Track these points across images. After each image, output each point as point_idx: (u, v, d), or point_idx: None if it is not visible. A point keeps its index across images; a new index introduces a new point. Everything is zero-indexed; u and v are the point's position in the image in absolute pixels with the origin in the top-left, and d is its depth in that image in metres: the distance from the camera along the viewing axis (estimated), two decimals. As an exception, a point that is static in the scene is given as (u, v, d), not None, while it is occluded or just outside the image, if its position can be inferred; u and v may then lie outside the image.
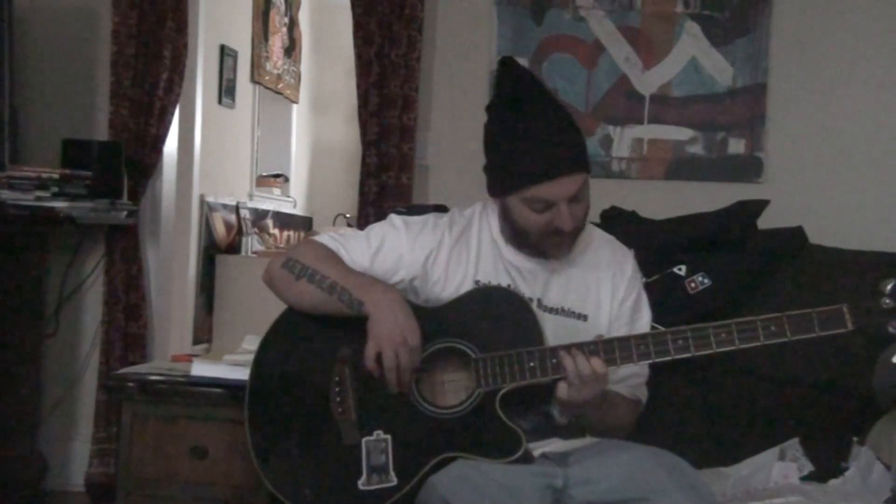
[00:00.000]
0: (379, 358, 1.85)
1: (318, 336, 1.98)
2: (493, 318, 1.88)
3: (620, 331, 1.99)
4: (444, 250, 2.01)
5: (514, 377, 1.82)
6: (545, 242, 1.93)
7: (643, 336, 1.84)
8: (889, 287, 1.72)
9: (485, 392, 1.84)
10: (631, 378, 2.02)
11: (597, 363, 1.78)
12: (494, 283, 1.97)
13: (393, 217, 2.09)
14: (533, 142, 1.87)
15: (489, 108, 2.00)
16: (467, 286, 1.96)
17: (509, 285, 1.96)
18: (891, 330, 1.72)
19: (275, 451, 1.93)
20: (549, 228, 1.90)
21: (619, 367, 1.85)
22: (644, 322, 2.06)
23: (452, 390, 1.90)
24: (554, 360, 1.81)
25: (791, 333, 1.76)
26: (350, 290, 1.90)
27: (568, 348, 1.80)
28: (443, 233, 2.03)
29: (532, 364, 1.82)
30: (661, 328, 2.45)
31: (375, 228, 2.07)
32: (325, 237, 2.08)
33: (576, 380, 1.78)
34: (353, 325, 1.91)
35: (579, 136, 1.93)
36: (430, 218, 2.07)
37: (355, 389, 1.90)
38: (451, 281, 1.98)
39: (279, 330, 2.03)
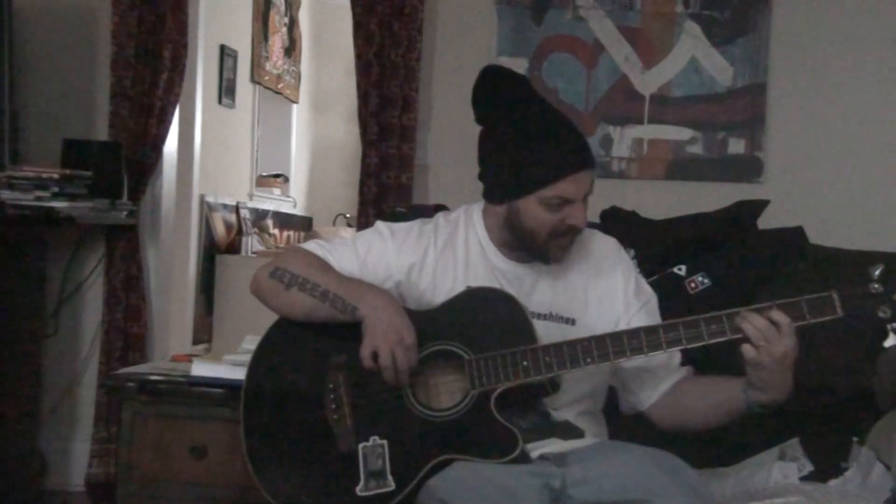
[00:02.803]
0: (375, 358, 1.85)
1: (311, 344, 1.97)
2: (485, 319, 1.88)
3: (639, 315, 2.00)
4: (429, 260, 2.00)
5: (507, 377, 1.82)
6: (552, 243, 1.93)
7: (635, 331, 1.83)
8: (878, 272, 1.73)
9: (479, 393, 1.83)
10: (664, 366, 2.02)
11: (777, 315, 1.76)
12: (487, 286, 1.96)
13: (379, 224, 2.08)
14: (552, 140, 1.88)
15: (487, 118, 1.99)
16: (458, 291, 1.95)
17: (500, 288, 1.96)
18: (880, 314, 1.73)
19: (271, 460, 1.93)
20: (561, 227, 1.90)
21: (649, 357, 1.85)
22: (652, 303, 2.06)
23: (447, 392, 1.90)
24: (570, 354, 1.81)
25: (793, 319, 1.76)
26: (343, 296, 1.89)
27: (739, 312, 1.78)
28: (428, 242, 2.02)
29: (525, 363, 1.82)
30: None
31: (363, 236, 2.07)
32: (311, 244, 2.06)
33: (761, 340, 1.75)
34: (347, 332, 1.90)
35: (583, 133, 1.97)
36: (416, 225, 2.07)
37: (350, 395, 1.90)
38: (440, 288, 1.98)
39: (273, 338, 2.02)
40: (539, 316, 1.95)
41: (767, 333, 1.75)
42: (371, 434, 1.87)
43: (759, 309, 1.77)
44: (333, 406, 1.90)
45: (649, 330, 1.83)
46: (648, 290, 2.08)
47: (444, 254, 2.01)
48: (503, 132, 1.94)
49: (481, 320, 1.88)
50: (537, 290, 1.99)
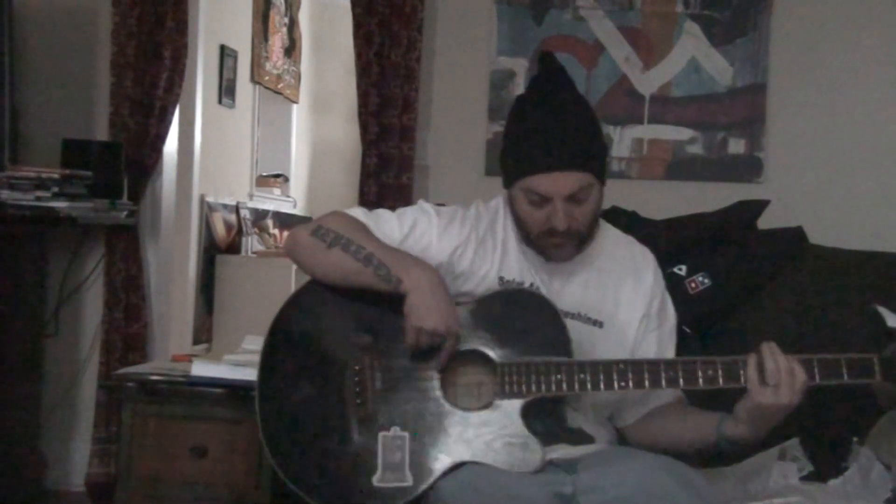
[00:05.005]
0: (417, 338, 1.80)
1: (338, 319, 1.90)
2: (521, 322, 1.84)
3: (649, 336, 2.00)
4: (471, 246, 1.96)
5: (539, 388, 1.79)
6: (543, 241, 1.90)
7: (673, 362, 1.83)
8: None
9: (507, 399, 1.80)
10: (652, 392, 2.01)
11: (795, 365, 1.75)
12: (518, 279, 1.94)
13: (423, 203, 2.04)
14: (538, 133, 1.86)
15: (517, 100, 2.00)
16: (491, 281, 1.93)
17: (532, 284, 1.93)
18: None
19: (288, 440, 1.85)
20: (545, 227, 1.88)
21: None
22: (670, 325, 2.05)
23: (474, 394, 1.86)
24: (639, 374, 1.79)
25: (820, 378, 1.77)
26: (388, 264, 1.82)
27: (766, 348, 1.77)
28: (471, 227, 1.98)
29: (559, 376, 1.78)
30: (688, 329, 2.46)
31: (407, 212, 2.01)
32: (355, 210, 2.01)
33: (775, 378, 1.74)
34: (374, 311, 1.85)
35: (589, 137, 1.90)
36: (458, 210, 2.02)
37: (374, 381, 1.84)
38: (475, 275, 1.94)
39: (296, 310, 1.94)
40: (567, 315, 1.91)
41: (785, 377, 1.74)
42: (393, 424, 1.82)
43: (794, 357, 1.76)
44: (357, 391, 1.84)
45: (687, 363, 1.80)
46: (672, 313, 2.07)
47: (484, 241, 1.98)
48: (514, 117, 1.95)
49: (516, 323, 1.84)
50: (567, 289, 1.97)
